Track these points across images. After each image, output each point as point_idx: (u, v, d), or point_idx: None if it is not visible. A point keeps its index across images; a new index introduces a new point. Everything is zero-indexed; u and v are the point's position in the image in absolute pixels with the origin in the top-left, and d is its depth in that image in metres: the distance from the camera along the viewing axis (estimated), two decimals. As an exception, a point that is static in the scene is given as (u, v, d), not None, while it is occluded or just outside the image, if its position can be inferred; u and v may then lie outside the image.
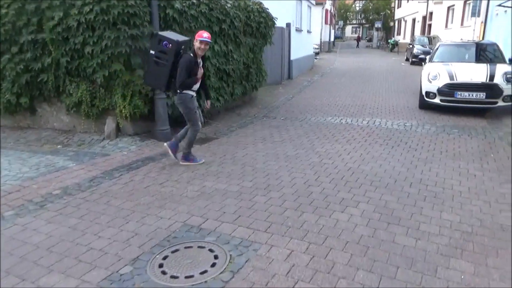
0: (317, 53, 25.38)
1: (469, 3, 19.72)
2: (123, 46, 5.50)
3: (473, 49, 8.96)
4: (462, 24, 20.59)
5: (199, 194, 4.00)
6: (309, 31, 18.30)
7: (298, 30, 15.51)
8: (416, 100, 9.32)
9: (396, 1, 40.61)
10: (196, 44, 4.52)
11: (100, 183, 4.34)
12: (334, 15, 52.90)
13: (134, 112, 5.84)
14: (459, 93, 7.62)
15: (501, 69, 7.82)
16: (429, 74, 8.13)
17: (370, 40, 50.90)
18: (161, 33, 4.81)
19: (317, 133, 6.60)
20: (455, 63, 8.44)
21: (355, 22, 75.19)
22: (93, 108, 6.03)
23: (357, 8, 68.23)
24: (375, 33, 48.59)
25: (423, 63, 9.56)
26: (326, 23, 33.03)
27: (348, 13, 68.37)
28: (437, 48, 9.40)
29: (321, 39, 31.81)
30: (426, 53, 20.28)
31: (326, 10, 32.61)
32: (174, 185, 4.26)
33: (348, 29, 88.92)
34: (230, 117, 8.00)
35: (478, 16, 15.00)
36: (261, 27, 8.75)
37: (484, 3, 14.91)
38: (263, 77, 9.46)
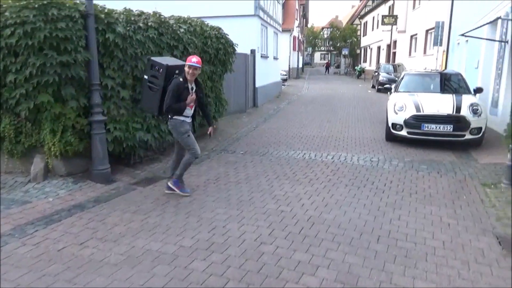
0: (285, 80, 25.29)
1: (431, 33, 20.23)
2: (51, 75, 4.76)
3: (438, 79, 8.77)
4: (425, 52, 21.04)
5: (124, 259, 3.25)
6: (275, 58, 18.07)
7: (264, 56, 15.19)
8: (382, 130, 8.99)
9: (362, 29, 41.77)
10: (186, 68, 4.52)
11: (5, 243, 3.51)
12: (303, 41, 53.92)
13: (66, 149, 5.06)
14: (426, 125, 7.28)
15: (467, 100, 7.59)
16: (395, 105, 7.80)
17: (338, 66, 51.99)
18: (153, 58, 4.89)
19: (278, 171, 6.00)
20: (421, 93, 8.17)
21: (323, 48, 77.11)
22: (18, 145, 5.19)
23: (325, 35, 70.10)
24: (342, 60, 49.68)
25: (388, 93, 9.28)
26: (294, 49, 33.31)
27: (316, 40, 70.04)
28: (402, 77, 9.17)
29: (289, 65, 31.94)
30: (391, 80, 20.56)
31: (294, 37, 32.94)
32: (97, 245, 3.49)
33: (317, 55, 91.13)
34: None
35: (440, 45, 15.22)
36: (220, 54, 8.23)
37: (445, 33, 15.16)
38: (223, 107, 8.88)
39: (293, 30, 31.53)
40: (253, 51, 13.20)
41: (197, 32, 7.39)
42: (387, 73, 20.91)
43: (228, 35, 8.83)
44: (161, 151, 6.83)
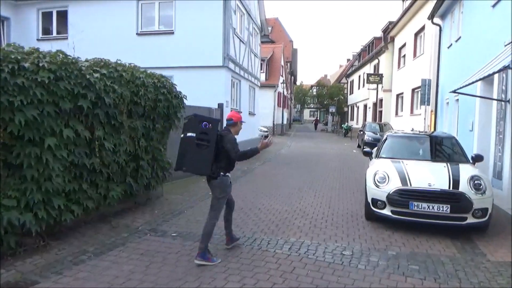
0: (266, 137, 23.87)
1: (417, 92, 19.30)
2: None
3: (428, 143, 7.25)
4: (412, 112, 20.02)
5: None
6: (252, 113, 16.74)
7: (237, 111, 13.78)
8: (363, 203, 7.31)
9: (348, 88, 41.62)
10: (239, 125, 4.77)
11: None
12: (291, 98, 53.85)
13: None
14: (415, 203, 5.58)
15: (466, 171, 5.98)
16: (375, 175, 6.15)
17: (326, 124, 51.46)
18: (196, 114, 4.72)
19: (204, 275, 4.15)
20: (407, 160, 6.58)
21: (312, 106, 77.62)
22: None
23: (314, 93, 70.83)
24: (330, 118, 49.23)
25: (369, 158, 7.67)
26: (279, 105, 32.47)
27: (305, 98, 70.55)
28: (385, 140, 7.61)
29: (273, 121, 30.89)
30: (377, 140, 19.25)
31: (279, 93, 32.25)
32: None
33: (307, 112, 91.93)
34: (98, 231, 5.45)
35: (428, 104, 14.04)
36: (160, 106, 6.66)
37: (433, 91, 14.05)
38: (165, 170, 7.15)
39: (277, 86, 30.87)
40: (220, 106, 11.78)
41: (123, 79, 5.85)
42: (373, 132, 19.64)
43: (175, 85, 7.37)
44: (54, 235, 4.97)
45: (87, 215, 5.48)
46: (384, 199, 5.85)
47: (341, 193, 8.69)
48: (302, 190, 8.97)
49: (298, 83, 71.66)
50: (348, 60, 60.74)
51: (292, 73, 50.17)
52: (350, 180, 10.58)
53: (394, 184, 5.85)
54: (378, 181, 6.04)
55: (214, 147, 4.43)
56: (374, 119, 27.57)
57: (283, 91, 32.89)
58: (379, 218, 6.06)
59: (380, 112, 26.88)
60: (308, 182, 10.05)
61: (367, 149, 7.59)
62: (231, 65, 12.65)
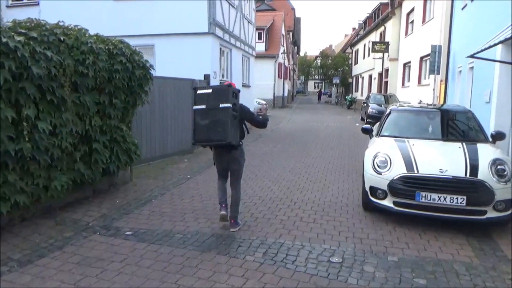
0: (260, 110, 22.73)
1: (426, 60, 17.92)
2: None
3: (438, 119, 6.12)
4: (419, 82, 18.70)
5: None
6: (246, 85, 15.54)
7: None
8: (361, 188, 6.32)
9: (353, 58, 39.88)
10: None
11: None
12: (294, 69, 52.12)
13: None
14: (423, 194, 4.54)
15: (485, 153, 4.90)
16: (375, 158, 5.09)
17: (330, 95, 49.94)
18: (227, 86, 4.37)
19: (143, 295, 3.19)
20: (414, 140, 5.50)
21: (317, 77, 75.64)
22: None
23: (319, 64, 68.82)
24: (333, 89, 47.68)
25: (369, 137, 6.57)
26: (279, 77, 31.07)
27: (310, 69, 68.60)
28: (388, 115, 6.48)
29: (274, 94, 29.60)
30: (382, 113, 18.02)
31: (280, 64, 30.76)
32: None
33: (311, 84, 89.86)
34: (36, 230, 4.50)
35: (438, 73, 12.74)
36: (118, 78, 5.55)
37: (443, 59, 12.72)
38: (131, 153, 6.13)
39: (278, 57, 29.38)
40: (207, 77, 10.63)
41: (64, 45, 4.74)
42: (377, 104, 18.41)
43: (140, 53, 6.22)
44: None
45: (21, 212, 4.51)
46: (385, 187, 4.81)
47: (336, 176, 7.65)
48: (294, 171, 7.95)
49: (301, 54, 69.61)
50: (353, 29, 58.36)
51: (295, 43, 48.25)
52: (349, 160, 9.52)
53: (398, 170, 4.79)
54: (378, 166, 4.99)
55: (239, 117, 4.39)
56: (380, 90, 26.21)
57: (284, 61, 31.37)
58: (378, 209, 5.03)
59: (386, 82, 25.47)
60: (302, 161, 9.00)
61: (366, 125, 6.46)
62: (219, 32, 11.38)
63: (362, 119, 20.32)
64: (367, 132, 6.37)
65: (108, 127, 5.58)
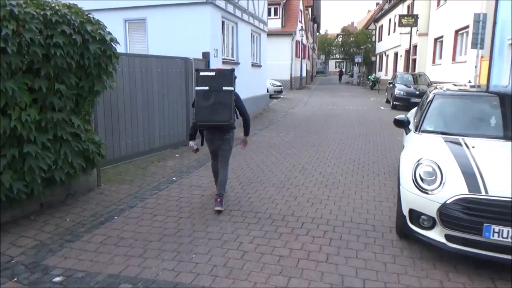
0: (279, 92, 21.10)
1: (462, 34, 15.77)
2: None
3: (507, 108, 4.39)
4: (454, 59, 16.59)
5: None
6: (256, 65, 13.87)
7: (230, 62, 11.02)
8: (393, 196, 4.77)
9: (377, 34, 37.28)
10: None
11: None
12: (313, 48, 49.68)
13: None
14: (495, 229, 2.94)
15: None
16: (417, 167, 3.49)
17: (352, 75, 47.45)
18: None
19: None
20: (471, 138, 3.85)
21: (338, 56, 72.61)
22: None
23: (340, 42, 65.80)
24: (355, 68, 45.19)
25: (405, 131, 4.89)
26: (297, 56, 29.09)
27: (331, 48, 65.70)
28: (430, 102, 4.74)
29: (291, 74, 27.76)
30: (411, 94, 16.02)
31: (297, 42, 28.73)
32: None
33: (332, 63, 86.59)
34: None
35: (482, 47, 10.74)
36: (60, 56, 4.07)
37: (488, 31, 10.70)
38: (93, 154, 4.71)
39: (295, 34, 27.36)
40: (206, 55, 9.06)
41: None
42: (405, 85, 16.45)
43: (100, 23, 4.73)
44: None
45: None
46: (434, 213, 3.22)
47: (360, 178, 6.06)
48: (306, 171, 6.39)
49: (322, 32, 66.63)
50: (377, 4, 55.04)
51: (315, 20, 45.72)
52: (374, 155, 7.87)
53: (454, 188, 3.19)
54: (422, 179, 3.39)
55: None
56: (406, 69, 24.01)
57: (302, 39, 29.31)
58: (419, 240, 3.46)
59: (414, 60, 23.25)
60: (316, 158, 7.42)
61: (400, 116, 4.77)
62: (220, 2, 9.71)
63: (388, 101, 18.39)
64: (402, 125, 4.72)
65: (50, 122, 4.14)
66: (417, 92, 15.57)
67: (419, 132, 4.33)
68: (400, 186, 3.62)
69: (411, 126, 4.72)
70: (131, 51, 9.95)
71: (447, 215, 3.14)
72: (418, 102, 15.50)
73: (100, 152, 4.92)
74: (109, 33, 4.84)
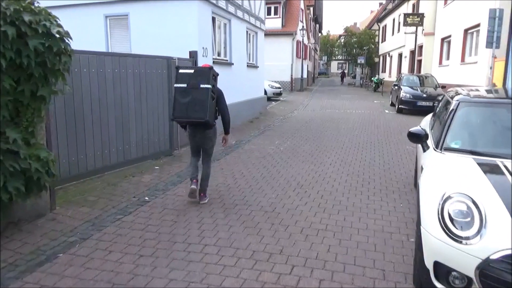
0: (278, 94, 20.19)
1: (472, 32, 14.84)
2: None
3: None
4: (463, 60, 15.65)
5: None
6: (252, 65, 12.97)
7: (223, 63, 10.12)
8: (407, 222, 3.85)
9: (380, 35, 36.33)
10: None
11: None
12: (315, 49, 48.76)
13: None
14: None
15: None
16: (444, 203, 2.57)
17: (354, 77, 46.48)
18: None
19: None
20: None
21: (341, 57, 71.63)
22: None
23: (342, 42, 64.80)
24: (358, 70, 44.22)
25: (422, 148, 3.92)
26: (298, 56, 28.17)
27: (333, 49, 64.75)
28: (453, 111, 3.76)
29: (291, 75, 26.85)
30: (418, 97, 15.07)
31: (298, 42, 27.80)
32: None
33: (334, 64, 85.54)
34: None
35: (497, 46, 9.81)
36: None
37: (505, 28, 9.76)
38: (38, 174, 3.81)
39: (296, 34, 26.46)
40: (193, 54, 8.17)
41: None
42: (411, 88, 15.52)
43: (42, 9, 3.84)
44: None
45: None
46: (471, 272, 2.31)
47: (365, 199, 5.14)
48: (302, 190, 5.47)
49: (324, 33, 65.67)
50: (380, 4, 54.07)
51: (316, 20, 44.84)
52: (383, 167, 6.95)
53: (500, 236, 2.28)
54: (454, 220, 2.48)
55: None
56: (411, 70, 23.07)
57: (303, 39, 28.38)
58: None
59: (419, 61, 22.30)
60: (314, 172, 6.50)
61: (416, 129, 3.81)
62: (210, -4, 8.82)
63: (393, 104, 17.46)
64: (419, 139, 3.77)
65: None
66: (424, 95, 14.65)
67: (441, 150, 3.41)
68: (422, 228, 2.70)
69: (430, 141, 3.80)
70: (112, 50, 9.07)
71: (491, 276, 2.23)
72: (425, 105, 14.81)
73: (49, 170, 4.03)
74: (59, 25, 3.94)
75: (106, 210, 4.67)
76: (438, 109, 4.96)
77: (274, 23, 26.28)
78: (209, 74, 4.46)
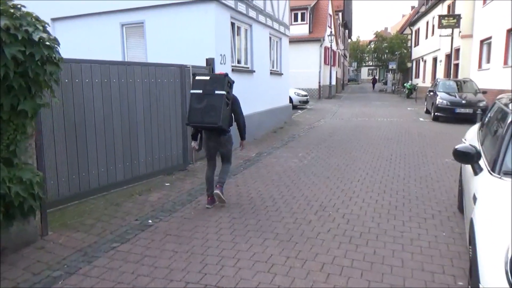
0: (305, 102, 19.47)
1: (518, 33, 13.64)
2: None
3: None
4: (505, 62, 14.42)
5: None
6: (276, 72, 12.37)
7: (244, 70, 9.59)
8: (452, 258, 3.09)
9: (413, 39, 34.89)
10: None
11: None
12: (345, 55, 47.65)
13: None
14: None
15: None
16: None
17: (385, 83, 44.97)
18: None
19: None
20: None
21: (371, 63, 69.91)
22: None
23: (372, 48, 63.19)
24: (389, 75, 42.74)
25: (473, 170, 3.15)
26: (326, 63, 27.36)
27: (363, 54, 63.23)
28: None
29: (319, 82, 26.08)
30: (456, 104, 13.93)
31: (326, 48, 27.02)
32: None
33: (364, 71, 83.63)
34: None
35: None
36: None
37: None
38: (24, 197, 3.37)
39: (324, 40, 25.73)
40: (210, 61, 7.69)
41: None
42: (448, 94, 14.42)
43: (22, 9, 3.42)
44: None
45: None
46: None
47: (398, 233, 4.38)
48: (323, 213, 4.77)
49: (354, 38, 64.33)
50: (412, 7, 52.33)
51: (346, 26, 43.80)
52: (419, 188, 6.13)
53: None
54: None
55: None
56: (447, 75, 21.74)
57: (332, 45, 27.57)
58: None
59: (456, 65, 20.99)
60: (339, 191, 5.78)
61: (465, 146, 3.05)
62: (229, 1, 8.34)
63: (428, 111, 16.35)
64: (469, 159, 3.02)
65: None
66: (463, 102, 13.55)
67: (500, 174, 2.66)
68: (480, 284, 1.98)
69: (483, 161, 3.04)
70: (129, 59, 8.76)
71: None
72: (464, 112, 13.66)
73: (35, 193, 3.57)
74: (45, 30, 3.49)
75: (102, 236, 4.17)
76: (488, 119, 4.17)
77: (301, 29, 25.66)
78: (224, 81, 4.60)
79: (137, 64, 6.06)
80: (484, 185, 2.69)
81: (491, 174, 2.73)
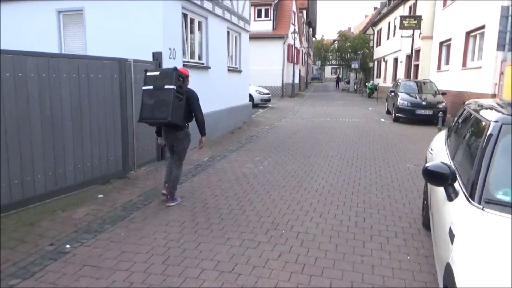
0: (267, 101, 18.95)
1: (475, 35, 13.74)
2: None
3: None
4: (464, 65, 14.53)
5: None
6: (234, 69, 11.70)
7: (197, 66, 8.85)
8: (420, 286, 2.56)
9: (375, 39, 35.30)
10: (189, 79, 4.85)
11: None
12: (309, 54, 47.70)
13: None
14: None
15: None
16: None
17: (348, 82, 45.44)
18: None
19: None
20: None
21: (335, 62, 70.75)
22: None
23: (336, 47, 63.95)
24: (352, 75, 43.20)
25: (447, 195, 2.63)
26: (289, 61, 26.99)
27: (327, 54, 63.79)
28: (493, 139, 2.40)
29: (282, 80, 25.65)
30: (416, 105, 13.79)
31: (290, 45, 26.62)
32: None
33: (328, 69, 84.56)
34: None
35: (510, 49, 8.63)
36: None
37: (518, 29, 8.58)
38: None
39: (287, 37, 25.31)
40: (157, 56, 6.90)
41: None
42: (409, 95, 14.33)
43: None
44: None
45: None
46: None
47: (358, 258, 3.85)
48: (275, 233, 4.17)
49: (318, 37, 64.70)
50: (375, 8, 53.23)
51: (310, 24, 43.82)
52: (381, 199, 5.68)
53: None
54: None
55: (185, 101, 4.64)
56: (408, 75, 21.96)
57: (295, 42, 27.18)
58: None
59: (416, 66, 21.21)
60: (294, 203, 5.20)
61: (436, 165, 2.52)
62: (179, -12, 7.55)
63: (389, 112, 16.27)
64: (442, 181, 2.49)
65: None
66: (424, 103, 13.48)
67: (481, 203, 2.14)
68: None
69: (458, 182, 2.52)
70: (66, 50, 7.79)
71: None
72: (425, 114, 13.62)
73: None
74: None
75: (38, 251, 3.36)
76: (457, 126, 3.72)
77: (265, 25, 25.11)
78: (172, 75, 4.50)
79: (64, 56, 5.22)
80: (462, 219, 2.16)
81: (469, 202, 2.21)
